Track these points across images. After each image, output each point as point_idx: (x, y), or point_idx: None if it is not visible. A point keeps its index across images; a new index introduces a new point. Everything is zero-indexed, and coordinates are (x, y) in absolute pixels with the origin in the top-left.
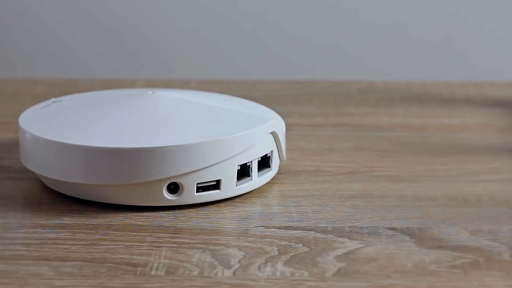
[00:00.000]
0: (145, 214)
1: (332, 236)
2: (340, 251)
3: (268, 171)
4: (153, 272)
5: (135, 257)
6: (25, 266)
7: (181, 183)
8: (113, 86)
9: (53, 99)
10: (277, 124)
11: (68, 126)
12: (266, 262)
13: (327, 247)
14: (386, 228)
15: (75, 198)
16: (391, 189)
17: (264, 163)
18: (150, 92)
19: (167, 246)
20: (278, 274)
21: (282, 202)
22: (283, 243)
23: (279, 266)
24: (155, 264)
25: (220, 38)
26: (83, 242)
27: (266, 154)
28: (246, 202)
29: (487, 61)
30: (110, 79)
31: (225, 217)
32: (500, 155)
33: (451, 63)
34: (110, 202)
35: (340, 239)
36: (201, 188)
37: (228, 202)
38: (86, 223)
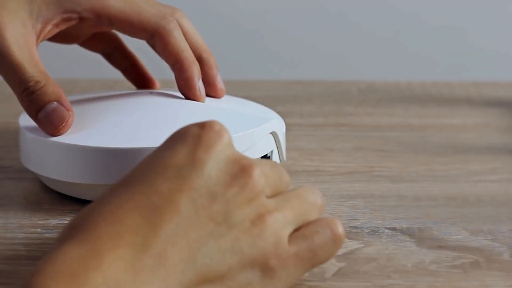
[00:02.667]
0: None
1: None
2: (340, 251)
3: None
4: None
5: None
6: (25, 266)
7: None
8: (113, 86)
9: None
10: (277, 124)
11: None
12: None
13: None
14: (386, 228)
15: (75, 198)
16: (391, 189)
17: None
18: (150, 92)
19: None
20: None
21: None
22: None
23: None
24: None
25: (220, 38)
26: None
27: (266, 154)
28: None
29: (487, 61)
30: (110, 79)
31: None
32: (500, 155)
33: (451, 63)
34: None
35: None
36: None
37: None
38: None
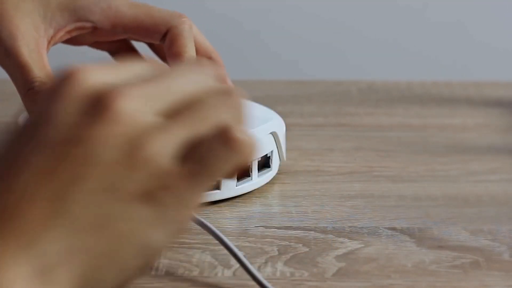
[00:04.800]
0: None
1: (332, 236)
2: (340, 251)
3: (268, 171)
4: (153, 272)
5: None
6: None
7: None
8: None
9: None
10: (277, 124)
11: None
12: (266, 262)
13: (327, 247)
14: (386, 228)
15: None
16: (391, 189)
17: (264, 163)
18: None
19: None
20: (278, 274)
21: (282, 202)
22: (283, 243)
23: (279, 266)
24: (155, 264)
25: (221, 38)
26: None
27: (266, 154)
28: (246, 202)
29: (487, 61)
30: None
31: (225, 217)
32: (500, 155)
33: (451, 63)
34: None
35: (340, 239)
36: None
37: (228, 202)
38: None
